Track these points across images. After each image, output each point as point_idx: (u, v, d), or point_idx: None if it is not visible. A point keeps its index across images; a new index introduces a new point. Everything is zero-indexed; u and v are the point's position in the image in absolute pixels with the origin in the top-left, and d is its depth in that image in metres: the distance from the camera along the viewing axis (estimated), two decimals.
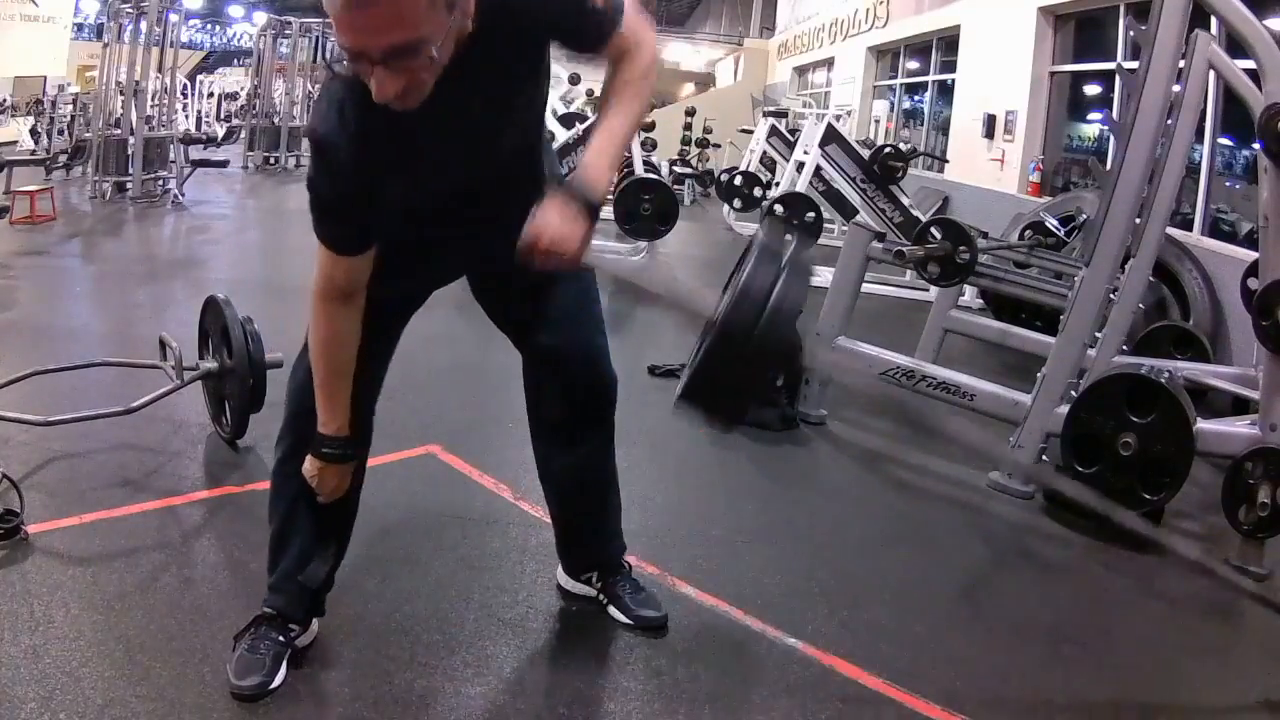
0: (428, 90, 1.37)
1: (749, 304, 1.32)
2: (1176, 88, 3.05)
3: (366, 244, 1.57)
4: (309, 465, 1.73)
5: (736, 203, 9.70)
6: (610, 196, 1.47)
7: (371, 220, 1.55)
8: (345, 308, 1.63)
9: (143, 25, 8.95)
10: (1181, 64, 3.04)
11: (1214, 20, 3.16)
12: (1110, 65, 6.62)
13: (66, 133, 11.64)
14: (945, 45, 10.54)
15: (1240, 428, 3.04)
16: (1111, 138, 4.61)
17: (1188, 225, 5.84)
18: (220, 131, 13.82)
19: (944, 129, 10.49)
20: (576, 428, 2.02)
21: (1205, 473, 3.31)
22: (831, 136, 6.90)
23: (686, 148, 13.56)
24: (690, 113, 14.13)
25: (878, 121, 12.47)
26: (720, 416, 1.51)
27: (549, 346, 1.93)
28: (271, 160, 12.46)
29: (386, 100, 1.32)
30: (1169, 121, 3.05)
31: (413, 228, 1.69)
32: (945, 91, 10.56)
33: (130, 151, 8.58)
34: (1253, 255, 3.84)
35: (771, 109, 10.23)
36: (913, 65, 12.05)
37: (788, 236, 1.45)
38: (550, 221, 1.44)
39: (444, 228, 1.73)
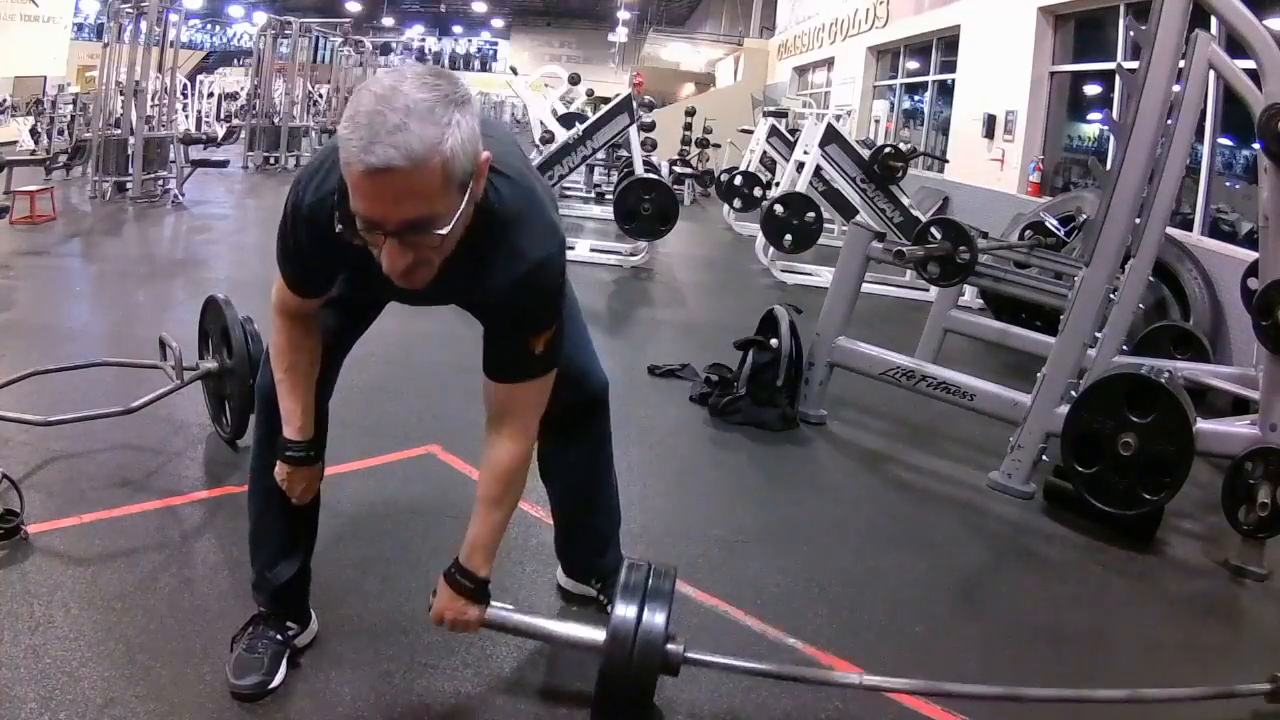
0: (433, 274, 1.37)
1: (620, 645, 1.69)
2: (1176, 88, 3.05)
3: (316, 293, 1.65)
4: (279, 470, 1.75)
5: (736, 203, 9.71)
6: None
7: (322, 281, 1.63)
8: (298, 324, 1.68)
9: (143, 25, 8.95)
10: (1181, 64, 3.04)
11: (1214, 20, 3.16)
12: (1110, 65, 6.63)
13: (66, 133, 11.64)
14: (945, 45, 10.54)
15: (1240, 428, 3.04)
16: (1111, 138, 4.61)
17: (1188, 225, 5.84)
18: (220, 131, 13.82)
19: (944, 129, 10.49)
20: (569, 429, 2.03)
21: (1205, 473, 3.31)
22: (831, 136, 6.90)
23: (686, 148, 13.55)
24: (690, 113, 14.11)
25: (878, 121, 12.47)
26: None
27: None
28: (271, 160, 12.46)
29: (395, 275, 1.33)
30: (1169, 121, 3.05)
31: (364, 289, 1.74)
32: (945, 91, 10.56)
33: (130, 151, 8.57)
34: (1253, 255, 3.84)
35: (771, 109, 10.22)
36: (913, 65, 12.05)
37: (651, 571, 1.80)
38: (448, 608, 1.70)
39: (396, 295, 1.75)
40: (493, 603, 1.75)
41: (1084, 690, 2.02)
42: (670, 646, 1.74)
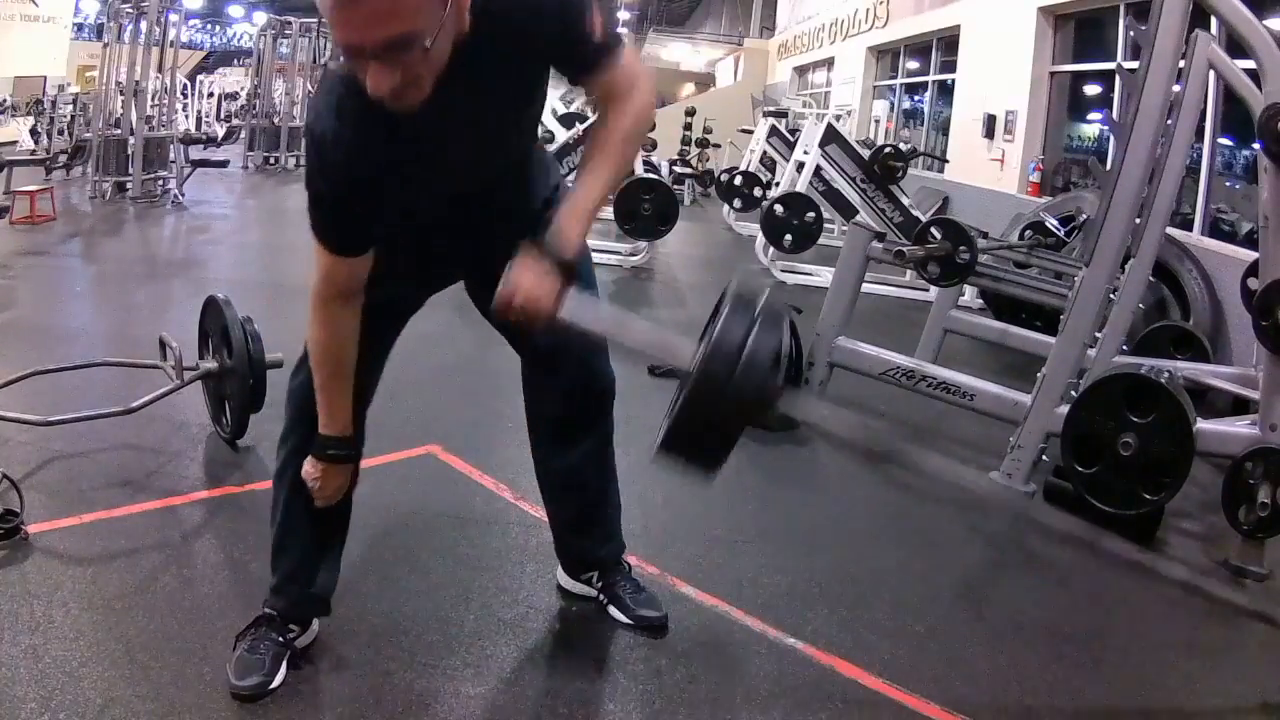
0: (426, 89, 1.36)
1: (723, 355, 1.35)
2: (1176, 88, 3.05)
3: (365, 244, 1.56)
4: (310, 468, 1.73)
5: (736, 203, 9.70)
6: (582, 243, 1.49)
7: (369, 220, 1.55)
8: (345, 309, 1.62)
9: (143, 25, 8.95)
10: (1181, 64, 3.04)
11: (1214, 20, 3.16)
12: (1110, 65, 6.63)
13: (66, 133, 11.63)
14: (945, 45, 10.54)
15: (1240, 428, 3.03)
16: (1111, 138, 4.61)
17: (1188, 225, 5.84)
18: (220, 131, 13.82)
19: (944, 129, 10.49)
20: (574, 427, 2.02)
21: (1205, 473, 3.31)
22: (831, 136, 6.90)
23: (686, 148, 13.56)
24: (690, 113, 14.12)
25: (878, 121, 12.47)
26: (701, 466, 1.52)
27: (545, 348, 1.91)
28: (271, 160, 12.46)
29: (382, 96, 1.31)
30: (1169, 121, 3.05)
31: (408, 230, 1.70)
32: (945, 91, 10.56)
33: (130, 151, 8.58)
34: (1253, 255, 3.84)
35: (771, 109, 10.22)
36: (913, 65, 12.05)
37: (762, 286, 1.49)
38: (523, 280, 1.44)
39: (438, 231, 1.74)
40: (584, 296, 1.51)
41: None
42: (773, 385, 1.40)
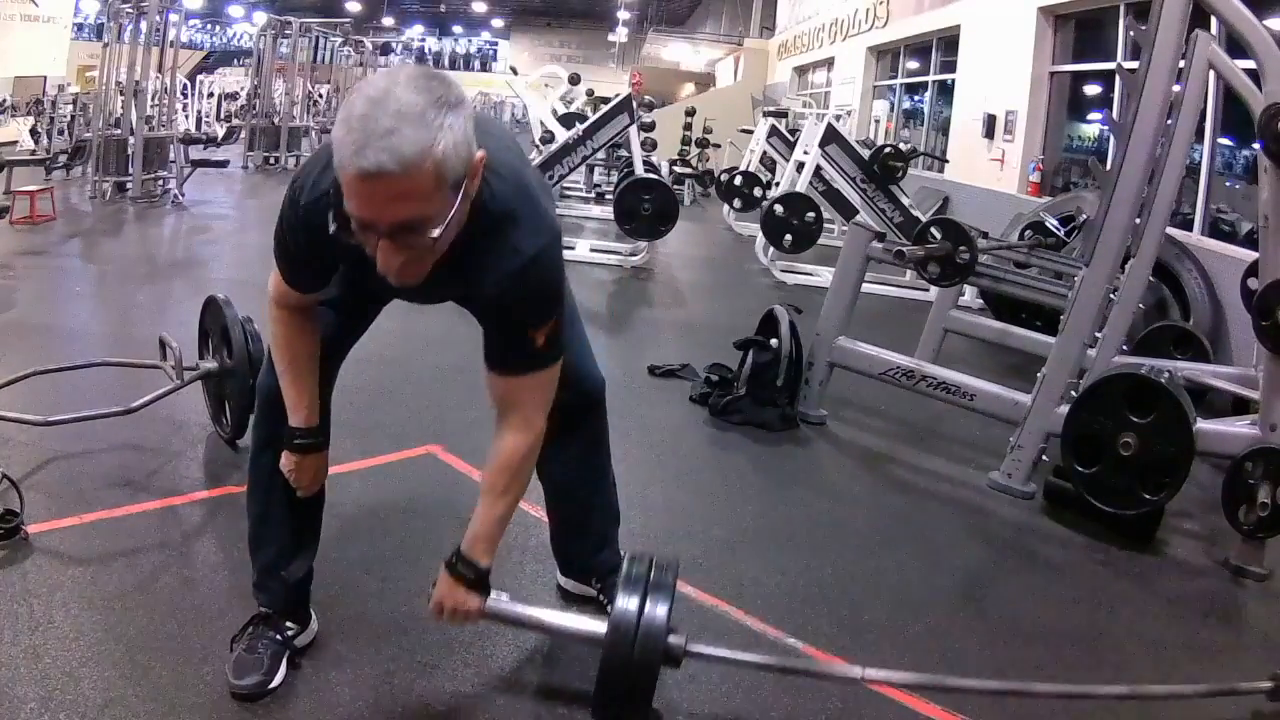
0: (426, 271, 1.39)
1: (622, 635, 1.68)
2: (1176, 88, 3.05)
3: (313, 291, 1.65)
4: (286, 461, 1.76)
5: (736, 203, 9.71)
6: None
7: (320, 278, 1.64)
8: (297, 313, 1.68)
9: (143, 25, 8.95)
10: (1181, 64, 3.04)
11: (1214, 20, 3.16)
12: (1110, 65, 6.63)
13: (66, 133, 11.63)
14: (945, 45, 10.55)
15: (1240, 428, 3.04)
16: (1111, 138, 4.60)
17: (1188, 225, 5.84)
18: (220, 131, 13.81)
19: (944, 129, 10.49)
20: (562, 430, 2.01)
21: (1205, 473, 3.31)
22: (831, 136, 6.90)
23: (686, 148, 13.56)
24: (690, 113, 14.12)
25: (878, 121, 12.46)
26: (631, 716, 1.77)
27: None
28: (271, 160, 12.46)
29: (389, 274, 1.34)
30: (1169, 121, 3.05)
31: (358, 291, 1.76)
32: (945, 91, 10.56)
33: (130, 151, 8.57)
34: (1253, 255, 3.84)
35: (771, 109, 10.22)
36: (913, 65, 12.05)
37: (654, 564, 1.79)
38: (446, 597, 1.68)
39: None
40: (493, 593, 1.74)
41: (1086, 686, 2.03)
42: (672, 639, 1.73)
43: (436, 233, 1.31)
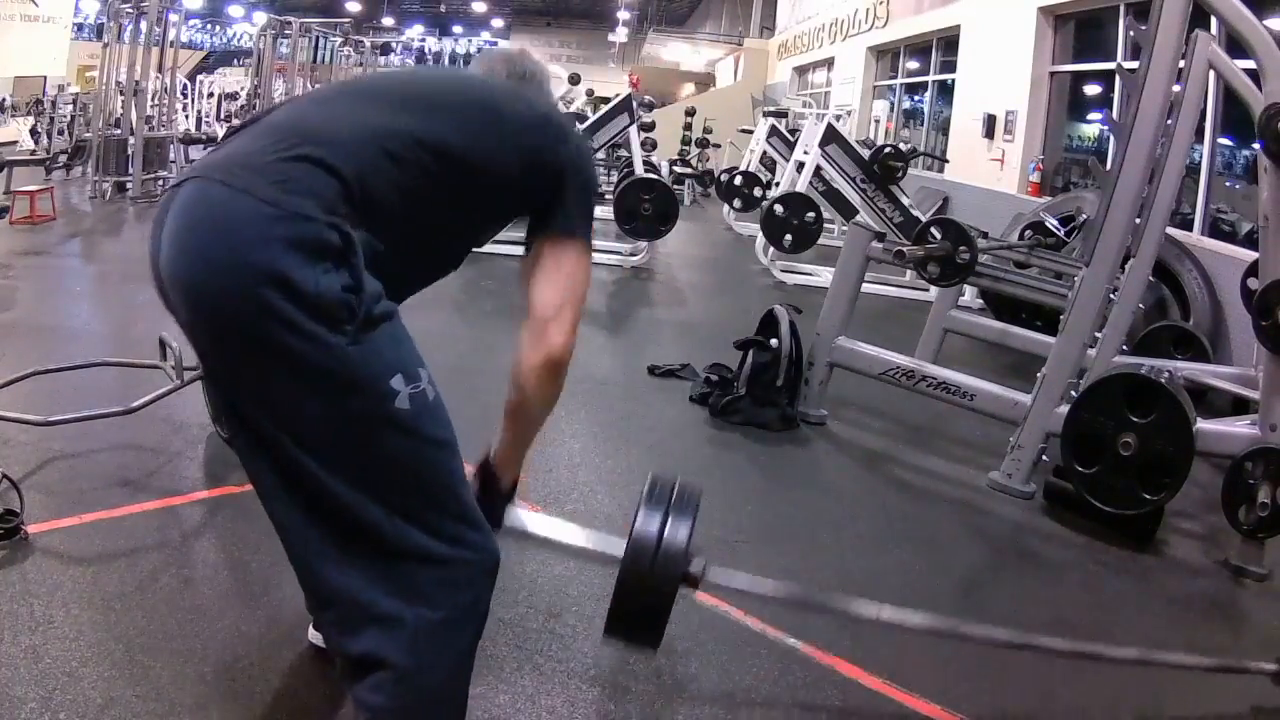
0: None
1: (642, 550, 1.62)
2: (1176, 88, 3.05)
3: None
4: None
5: (736, 203, 9.71)
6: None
7: None
8: None
9: (143, 25, 8.95)
10: (1181, 64, 3.04)
11: (1214, 20, 3.16)
12: (1110, 65, 6.63)
13: (66, 133, 11.63)
14: (945, 45, 10.54)
15: (1240, 428, 3.04)
16: (1111, 138, 4.61)
17: (1188, 225, 5.84)
18: (220, 131, 13.81)
19: (944, 129, 10.49)
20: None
21: (1205, 473, 3.31)
22: (831, 136, 6.90)
23: (686, 148, 13.57)
24: (690, 113, 14.13)
25: (878, 121, 12.46)
26: (640, 642, 1.76)
27: None
28: None
29: None
30: (1169, 121, 3.05)
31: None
32: (945, 91, 10.56)
33: (130, 151, 8.58)
34: (1253, 255, 3.84)
35: (771, 109, 10.22)
36: (913, 65, 12.05)
37: (677, 486, 1.71)
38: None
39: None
40: (517, 509, 1.69)
41: (1097, 646, 2.03)
42: (694, 562, 1.68)
43: None
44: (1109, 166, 3.18)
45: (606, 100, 7.89)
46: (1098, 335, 3.19)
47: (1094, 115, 8.10)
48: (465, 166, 1.41)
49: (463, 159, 1.40)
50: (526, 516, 1.70)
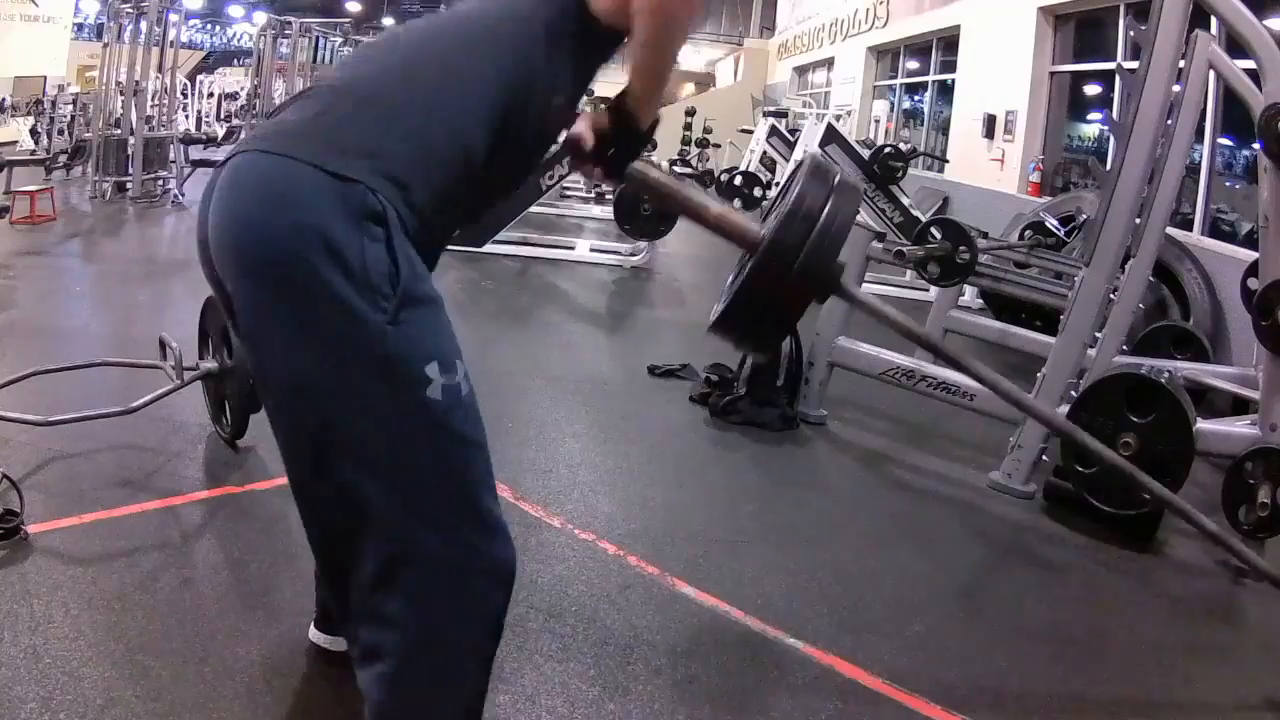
0: None
1: (799, 222, 1.32)
2: (1176, 88, 3.05)
3: None
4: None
5: (736, 202, 9.70)
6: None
7: None
8: None
9: (143, 25, 8.95)
10: (1181, 64, 3.04)
11: (1214, 20, 3.16)
12: (1110, 65, 6.63)
13: (66, 133, 11.63)
14: (945, 45, 10.54)
15: (1240, 428, 3.04)
16: (1111, 138, 4.61)
17: (1188, 225, 5.84)
18: (220, 131, 13.81)
19: (944, 129, 10.49)
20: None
21: (1205, 473, 3.31)
22: (831, 136, 6.91)
23: (686, 148, 13.55)
24: (690, 113, 14.12)
25: (878, 121, 12.46)
26: (757, 342, 1.49)
27: None
28: None
29: None
30: (1169, 121, 3.05)
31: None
32: (945, 91, 10.56)
33: (130, 151, 8.57)
34: (1253, 255, 3.84)
35: (771, 109, 10.23)
36: (913, 65, 12.05)
37: (839, 180, 1.43)
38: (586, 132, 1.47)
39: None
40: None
41: None
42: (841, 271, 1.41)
43: None
44: (1109, 166, 3.18)
45: (607, 100, 7.88)
46: (1098, 335, 3.19)
47: (1094, 115, 8.10)
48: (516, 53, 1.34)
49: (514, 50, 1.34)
50: (649, 166, 1.51)
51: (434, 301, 1.27)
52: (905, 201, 6.86)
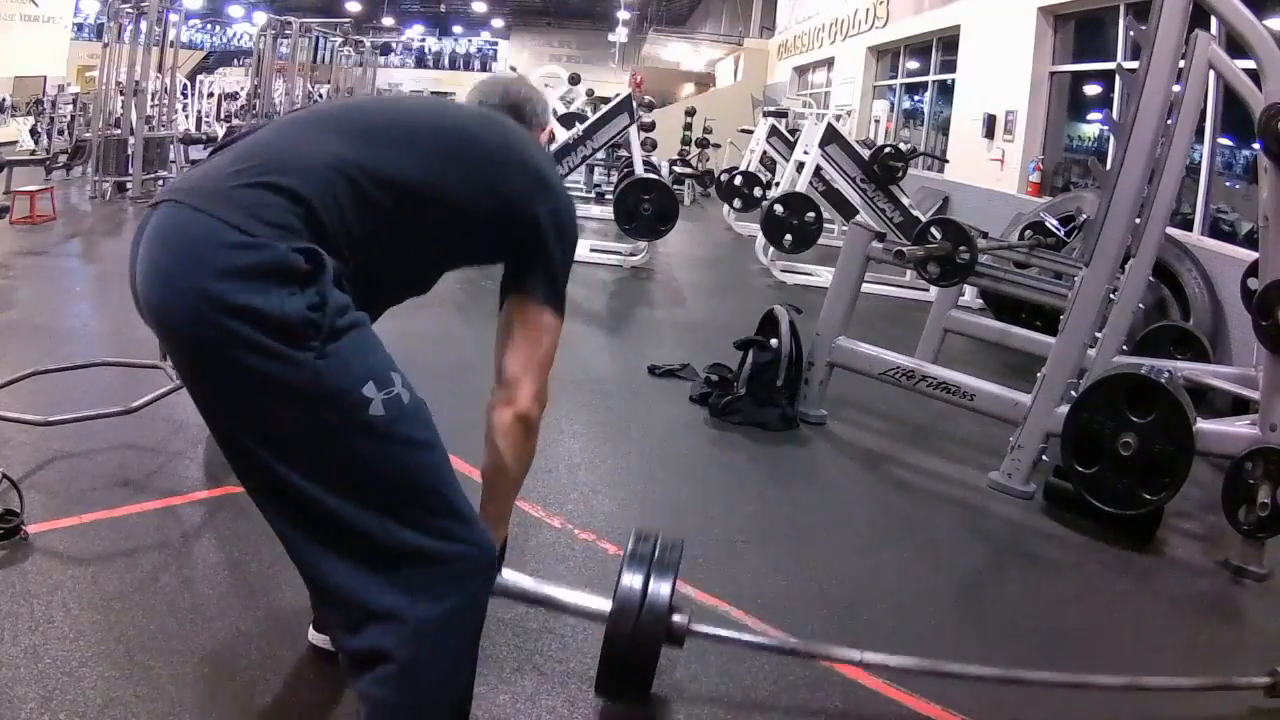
0: None
1: (626, 612, 1.69)
2: (1176, 88, 3.05)
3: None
4: None
5: (736, 203, 9.71)
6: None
7: None
8: None
9: (143, 25, 8.95)
10: (1181, 64, 3.04)
11: (1214, 20, 3.16)
12: (1110, 65, 6.63)
13: (66, 133, 11.63)
14: (945, 45, 10.54)
15: (1240, 428, 3.04)
16: (1111, 138, 4.61)
17: (1188, 225, 5.84)
18: (220, 131, 13.81)
19: (944, 129, 10.49)
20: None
21: (1205, 473, 3.31)
22: (831, 136, 6.90)
23: (686, 148, 13.57)
24: (690, 113, 14.13)
25: (878, 121, 12.44)
26: (627, 697, 1.82)
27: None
28: None
29: None
30: (1169, 121, 3.05)
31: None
32: (945, 91, 10.56)
33: (130, 151, 8.58)
34: (1253, 255, 3.84)
35: (771, 109, 10.22)
36: (913, 65, 12.05)
37: (659, 543, 1.79)
38: None
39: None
40: (504, 570, 1.72)
41: (1084, 675, 2.03)
42: (675, 617, 1.74)
43: None
44: (1109, 166, 3.18)
45: (606, 100, 7.89)
46: (1098, 335, 3.19)
47: (1094, 115, 8.10)
48: (427, 205, 1.40)
49: (423, 197, 1.39)
50: (512, 576, 1.76)
51: (358, 324, 1.30)
52: (905, 201, 6.85)
